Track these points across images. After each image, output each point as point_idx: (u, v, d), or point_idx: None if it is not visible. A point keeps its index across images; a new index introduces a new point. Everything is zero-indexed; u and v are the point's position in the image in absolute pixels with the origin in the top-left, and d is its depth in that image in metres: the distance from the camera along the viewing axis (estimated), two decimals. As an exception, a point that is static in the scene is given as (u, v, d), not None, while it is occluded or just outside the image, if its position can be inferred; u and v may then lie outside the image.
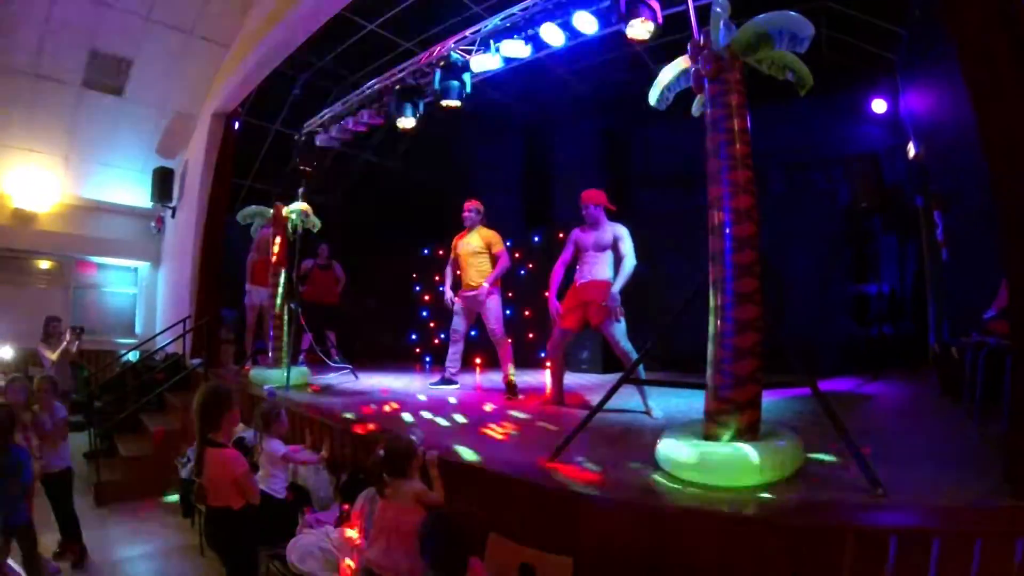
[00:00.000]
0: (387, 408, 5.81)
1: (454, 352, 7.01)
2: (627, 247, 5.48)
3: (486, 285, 6.53)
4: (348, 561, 3.49)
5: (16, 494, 4.24)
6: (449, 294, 6.88)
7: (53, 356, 7.78)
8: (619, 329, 5.32)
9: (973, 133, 4.27)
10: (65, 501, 5.13)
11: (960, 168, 5.85)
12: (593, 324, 5.50)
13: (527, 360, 6.63)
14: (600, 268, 5.56)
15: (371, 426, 4.74)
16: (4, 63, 9.05)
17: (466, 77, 6.09)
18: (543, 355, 5.96)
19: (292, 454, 4.56)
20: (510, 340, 6.64)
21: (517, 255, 9.71)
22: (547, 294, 5.80)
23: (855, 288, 8.15)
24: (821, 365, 7.27)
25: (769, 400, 3.43)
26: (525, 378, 6.78)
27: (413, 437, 3.38)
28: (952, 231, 6.37)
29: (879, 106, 7.97)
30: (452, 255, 6.98)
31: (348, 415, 5.23)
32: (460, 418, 5.41)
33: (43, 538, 5.06)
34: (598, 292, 5.42)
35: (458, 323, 6.85)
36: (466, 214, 6.86)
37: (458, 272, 6.87)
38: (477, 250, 6.72)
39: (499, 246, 6.71)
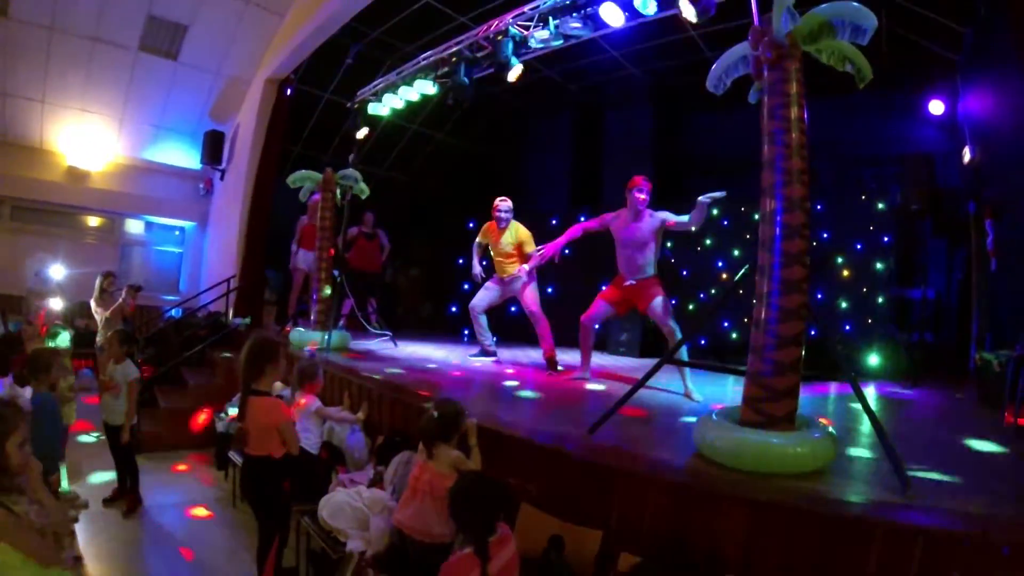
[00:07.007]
0: (426, 375, 5.90)
1: (480, 325, 7.12)
2: (673, 216, 5.47)
3: (525, 268, 6.61)
4: None
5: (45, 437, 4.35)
6: (478, 269, 7.06)
7: (106, 313, 7.93)
8: (665, 307, 5.35)
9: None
10: (126, 451, 5.29)
11: (1016, 177, 5.72)
12: (641, 309, 5.62)
13: (569, 338, 6.66)
14: (647, 266, 5.58)
15: (410, 391, 4.82)
16: (64, 26, 9.25)
17: (522, 52, 6.13)
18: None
19: (329, 411, 4.67)
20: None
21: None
22: (557, 241, 6.09)
23: (899, 291, 7.99)
24: (859, 366, 7.21)
25: (806, 395, 3.43)
26: (564, 357, 6.83)
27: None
28: (1003, 241, 6.23)
29: (936, 107, 7.75)
30: (481, 240, 7.09)
31: (387, 379, 5.29)
32: (498, 389, 5.48)
33: (93, 477, 5.33)
34: (650, 289, 5.50)
35: (482, 297, 6.98)
36: (501, 215, 6.83)
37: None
38: (510, 252, 6.80)
39: (530, 246, 6.74)
